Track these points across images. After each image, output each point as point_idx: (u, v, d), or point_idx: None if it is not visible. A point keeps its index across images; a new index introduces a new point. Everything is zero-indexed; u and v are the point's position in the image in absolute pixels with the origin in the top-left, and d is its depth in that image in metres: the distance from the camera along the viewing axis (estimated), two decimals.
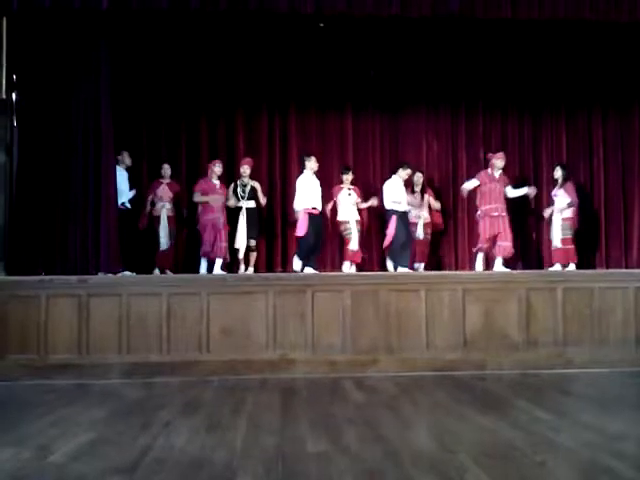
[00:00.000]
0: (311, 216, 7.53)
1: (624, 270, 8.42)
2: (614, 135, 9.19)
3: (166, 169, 8.20)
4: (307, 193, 7.59)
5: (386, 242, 7.87)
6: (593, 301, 6.55)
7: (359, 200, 8.27)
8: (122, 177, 7.54)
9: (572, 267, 7.96)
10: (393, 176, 8.07)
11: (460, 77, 9.01)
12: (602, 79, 9.03)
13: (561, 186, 8.26)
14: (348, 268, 7.96)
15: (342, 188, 8.21)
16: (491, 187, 8.08)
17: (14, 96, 6.94)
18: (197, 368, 6.10)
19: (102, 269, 6.72)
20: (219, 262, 7.74)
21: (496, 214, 7.99)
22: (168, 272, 7.84)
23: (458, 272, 8.17)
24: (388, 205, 7.91)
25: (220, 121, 8.94)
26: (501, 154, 8.24)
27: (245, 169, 8.12)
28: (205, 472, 3.20)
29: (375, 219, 8.79)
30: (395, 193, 7.93)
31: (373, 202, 8.25)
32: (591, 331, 6.52)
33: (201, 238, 7.87)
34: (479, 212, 8.15)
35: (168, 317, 6.21)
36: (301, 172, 7.82)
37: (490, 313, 6.44)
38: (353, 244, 8.00)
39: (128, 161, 7.79)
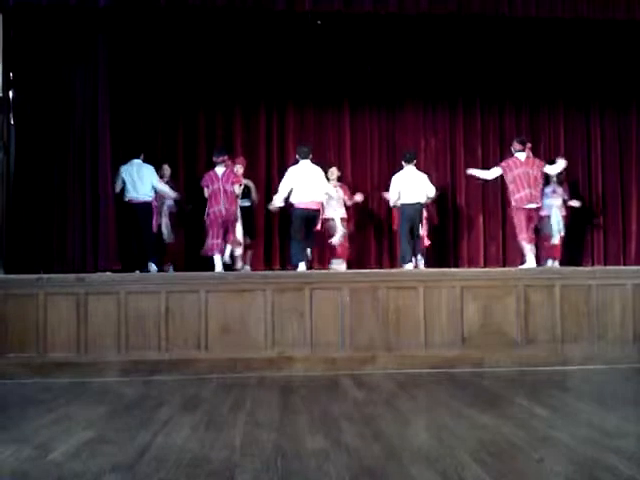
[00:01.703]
0: None
1: (622, 267, 8.44)
2: (612, 132, 9.23)
3: (165, 169, 8.16)
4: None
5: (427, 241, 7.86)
6: (591, 298, 6.57)
7: (345, 197, 8.25)
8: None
9: (557, 264, 8.04)
10: (410, 166, 7.72)
11: (458, 74, 9.02)
12: (600, 76, 9.05)
13: (560, 184, 8.37)
14: (339, 264, 7.93)
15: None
16: None
17: (11, 94, 6.92)
18: (196, 366, 6.09)
19: (100, 267, 6.71)
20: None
21: None
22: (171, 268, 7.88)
23: (456, 269, 8.17)
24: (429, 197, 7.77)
25: (218, 118, 8.93)
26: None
27: (238, 168, 8.06)
28: (204, 469, 3.20)
29: (368, 216, 8.79)
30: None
31: (358, 198, 8.23)
32: (589, 328, 6.53)
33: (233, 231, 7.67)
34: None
35: (166, 315, 6.20)
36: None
37: (488, 310, 6.44)
38: (336, 240, 7.95)
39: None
